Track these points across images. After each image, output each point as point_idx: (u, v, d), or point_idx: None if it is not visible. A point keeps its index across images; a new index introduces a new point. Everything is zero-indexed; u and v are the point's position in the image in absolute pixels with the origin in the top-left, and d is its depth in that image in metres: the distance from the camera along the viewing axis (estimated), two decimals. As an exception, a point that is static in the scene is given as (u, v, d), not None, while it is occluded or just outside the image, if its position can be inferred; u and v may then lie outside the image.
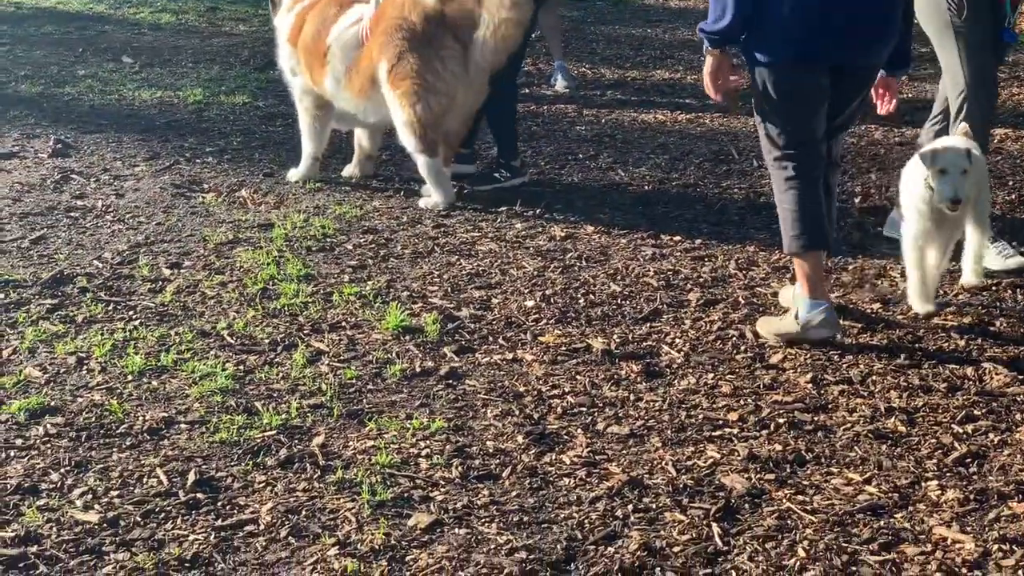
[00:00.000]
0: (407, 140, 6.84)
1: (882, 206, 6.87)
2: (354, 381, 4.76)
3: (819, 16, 4.92)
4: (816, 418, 4.48)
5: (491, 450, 4.24)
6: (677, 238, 6.43)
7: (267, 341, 5.10)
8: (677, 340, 5.17)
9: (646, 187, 7.41)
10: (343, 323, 5.30)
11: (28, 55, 10.80)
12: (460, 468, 4.11)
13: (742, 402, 4.60)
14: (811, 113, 5.11)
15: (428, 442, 4.28)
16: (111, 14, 12.81)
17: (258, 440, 4.28)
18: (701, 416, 4.50)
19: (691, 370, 4.89)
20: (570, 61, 10.27)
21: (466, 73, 6.68)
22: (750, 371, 4.88)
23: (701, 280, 5.84)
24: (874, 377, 4.80)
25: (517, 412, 4.52)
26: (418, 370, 4.85)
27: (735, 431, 4.38)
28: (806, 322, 5.04)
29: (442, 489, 3.99)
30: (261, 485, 4.00)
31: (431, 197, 6.93)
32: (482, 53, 6.62)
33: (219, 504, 3.89)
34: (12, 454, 4.16)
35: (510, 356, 5.01)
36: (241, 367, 4.86)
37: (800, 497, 3.93)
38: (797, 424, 4.43)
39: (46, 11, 12.89)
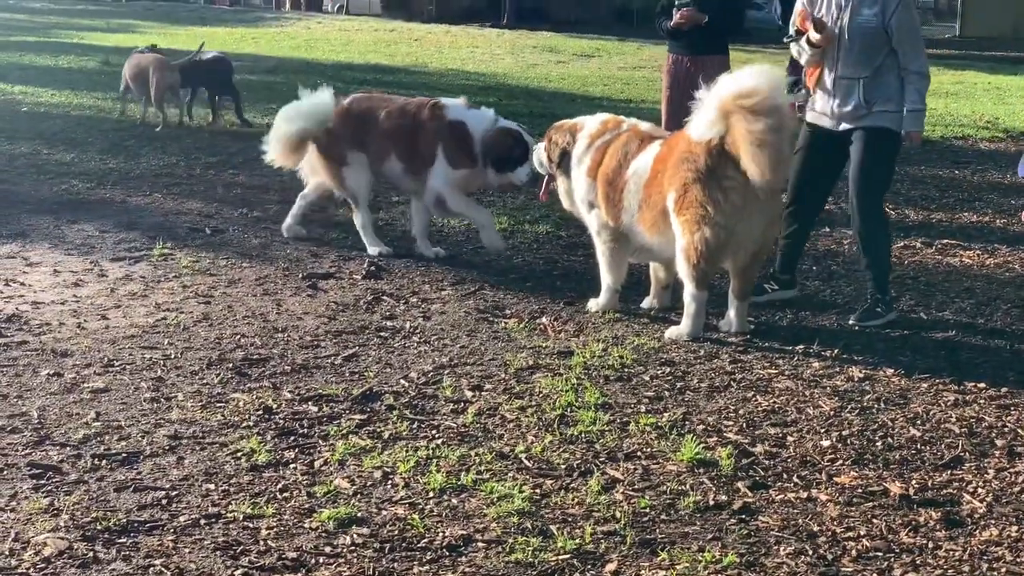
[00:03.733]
0: (681, 266, 6.93)
1: None
2: (648, 510, 4.80)
3: None
4: None
5: (783, 589, 4.22)
6: (981, 385, 6.28)
7: (563, 466, 5.21)
8: (980, 489, 5.03)
9: (949, 331, 7.26)
10: (638, 452, 5.37)
11: (347, 181, 11.34)
12: (751, 605, 4.10)
13: (1048, 558, 4.44)
14: None
15: (720, 576, 4.29)
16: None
17: (552, 563, 4.36)
18: (1004, 570, 4.36)
19: (994, 521, 4.75)
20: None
21: (746, 205, 6.69)
22: (1058, 526, 4.71)
23: (1006, 429, 5.67)
24: None
25: (811, 552, 4.48)
26: (711, 503, 4.87)
27: (1040, 588, 4.23)
28: None
29: (733, 625, 3.99)
30: (554, 607, 4.08)
31: (680, 326, 7.04)
32: (752, 180, 6.54)
33: (513, 623, 3.99)
34: (321, 560, 4.37)
35: (804, 495, 4.97)
36: (538, 490, 4.97)
37: (1110, 662, 3.77)
38: (1108, 585, 4.24)
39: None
